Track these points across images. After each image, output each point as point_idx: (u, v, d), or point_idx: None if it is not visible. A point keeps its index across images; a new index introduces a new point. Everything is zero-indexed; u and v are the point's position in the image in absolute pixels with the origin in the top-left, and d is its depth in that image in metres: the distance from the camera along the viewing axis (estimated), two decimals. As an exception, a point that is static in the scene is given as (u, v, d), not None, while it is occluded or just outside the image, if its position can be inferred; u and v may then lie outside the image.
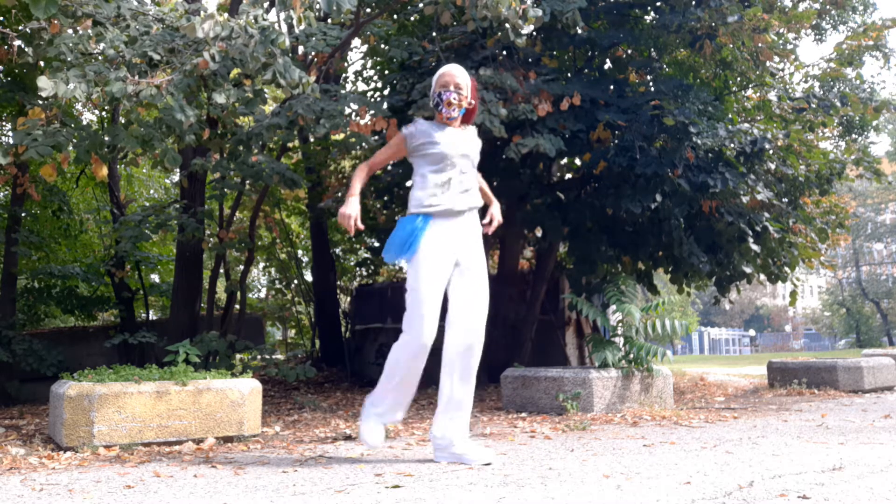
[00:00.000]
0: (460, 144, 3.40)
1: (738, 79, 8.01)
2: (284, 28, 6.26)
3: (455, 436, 3.32)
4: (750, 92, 8.56)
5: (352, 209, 3.30)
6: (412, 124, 3.45)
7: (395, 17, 8.10)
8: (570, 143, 6.74)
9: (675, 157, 6.41)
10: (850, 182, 9.48)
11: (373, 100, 7.01)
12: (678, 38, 7.08)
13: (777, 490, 2.52)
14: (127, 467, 3.31)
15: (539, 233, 8.56)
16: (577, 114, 6.50)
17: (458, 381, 3.34)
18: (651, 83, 7.57)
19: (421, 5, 7.31)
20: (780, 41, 8.15)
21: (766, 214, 7.41)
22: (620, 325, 5.97)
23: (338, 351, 10.36)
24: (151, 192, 13.86)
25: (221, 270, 8.13)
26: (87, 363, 7.86)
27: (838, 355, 15.06)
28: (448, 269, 3.33)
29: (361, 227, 3.32)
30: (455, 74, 3.41)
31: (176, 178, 11.90)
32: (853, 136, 9.99)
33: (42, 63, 5.97)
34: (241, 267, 8.26)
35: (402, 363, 3.30)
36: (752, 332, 52.08)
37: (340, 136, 6.94)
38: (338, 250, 11.81)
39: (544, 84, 6.37)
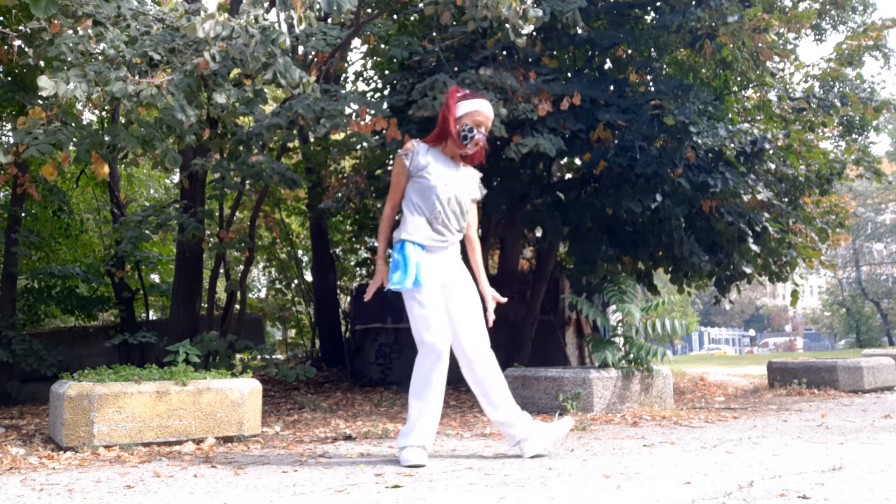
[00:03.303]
0: (453, 184, 3.38)
1: (738, 79, 8.01)
2: (285, 28, 6.26)
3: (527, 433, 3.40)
4: (750, 92, 8.56)
5: (379, 278, 3.42)
6: (407, 146, 3.40)
7: (395, 17, 8.10)
8: (570, 143, 6.74)
9: (676, 157, 6.41)
10: (850, 182, 9.48)
11: (373, 100, 7.01)
12: (678, 38, 7.08)
13: (777, 490, 2.52)
14: (127, 467, 3.31)
15: (539, 233, 8.56)
16: (577, 114, 6.50)
17: (490, 394, 3.37)
18: (651, 83, 7.57)
19: (421, 5, 7.31)
20: (780, 41, 8.15)
21: (766, 214, 7.42)
22: (620, 325, 5.97)
23: (338, 351, 10.36)
24: (151, 192, 13.86)
25: (221, 270, 8.13)
26: (87, 363, 7.86)
27: (838, 355, 15.06)
28: (439, 289, 3.35)
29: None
30: (489, 117, 3.42)
31: (176, 178, 11.91)
32: (853, 136, 9.99)
33: (42, 63, 5.97)
34: (241, 267, 8.26)
35: (425, 379, 3.25)
36: (752, 332, 52.13)
37: (340, 136, 6.94)
38: (338, 250, 11.81)
39: (544, 84, 6.37)
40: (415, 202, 3.37)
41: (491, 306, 3.52)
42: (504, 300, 3.56)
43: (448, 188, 3.36)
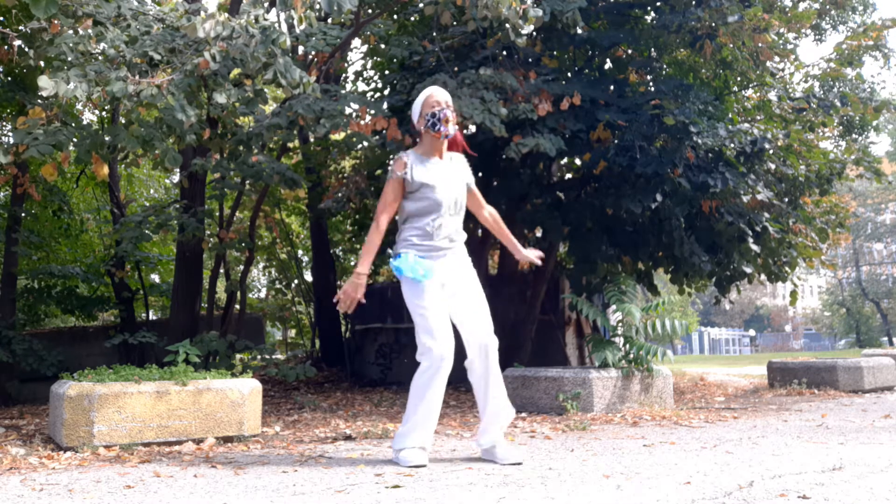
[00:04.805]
0: (451, 185, 3.39)
1: (739, 79, 8.01)
2: (285, 28, 6.26)
3: (497, 439, 3.37)
4: (750, 92, 8.56)
5: (360, 291, 3.27)
6: (401, 165, 3.37)
7: (395, 17, 8.10)
8: (570, 142, 6.74)
9: (676, 157, 6.41)
10: (850, 182, 9.48)
11: (373, 100, 7.01)
12: (678, 38, 7.08)
13: (777, 490, 2.52)
14: (127, 467, 3.31)
15: (539, 233, 8.55)
16: (577, 114, 6.50)
17: (490, 387, 3.35)
18: (651, 83, 7.57)
19: (421, 5, 7.31)
20: (780, 41, 8.15)
21: (766, 214, 7.41)
22: (620, 325, 5.96)
23: (338, 351, 10.36)
24: (151, 192, 13.86)
25: (221, 270, 8.12)
26: (87, 363, 7.86)
27: (838, 355, 15.06)
28: (440, 291, 3.34)
29: (363, 301, 3.31)
30: (442, 95, 3.41)
31: (176, 178, 11.91)
32: (853, 136, 9.99)
33: (42, 63, 5.97)
34: (241, 267, 8.26)
35: (428, 384, 3.24)
36: (752, 332, 52.09)
37: (340, 136, 6.94)
38: (338, 250, 11.81)
39: (544, 84, 6.37)
40: (413, 215, 3.37)
41: (534, 257, 3.60)
42: (540, 261, 3.64)
43: (449, 194, 3.36)
